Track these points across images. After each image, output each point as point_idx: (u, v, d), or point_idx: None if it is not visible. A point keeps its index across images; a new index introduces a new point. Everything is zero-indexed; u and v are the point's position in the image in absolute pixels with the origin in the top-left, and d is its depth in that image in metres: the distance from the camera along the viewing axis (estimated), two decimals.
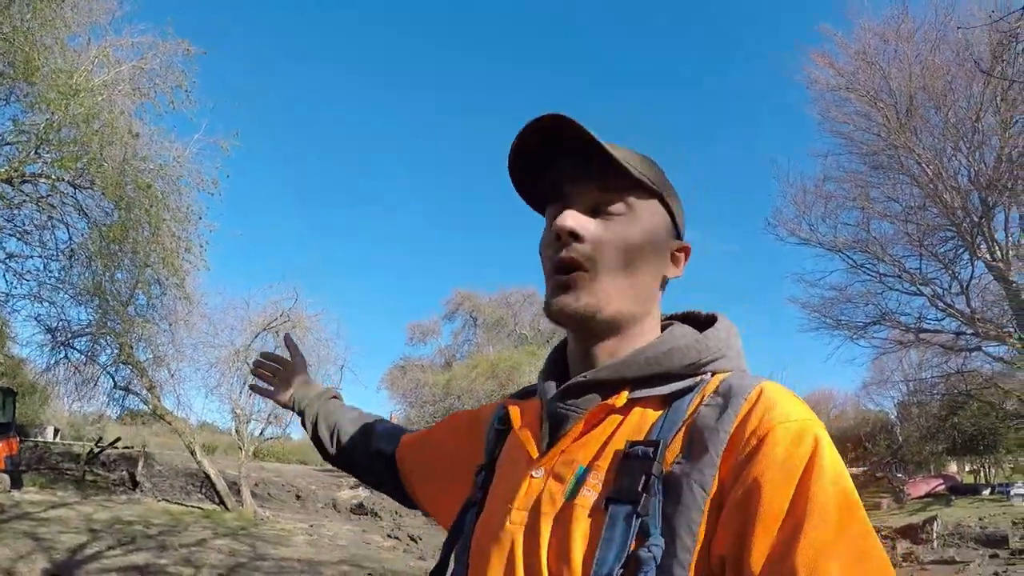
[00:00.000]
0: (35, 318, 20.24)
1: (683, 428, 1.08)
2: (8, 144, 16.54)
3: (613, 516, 1.01)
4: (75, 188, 17.31)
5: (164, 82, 18.10)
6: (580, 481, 1.10)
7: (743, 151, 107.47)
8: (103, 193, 16.90)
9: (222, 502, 23.84)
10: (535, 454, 1.21)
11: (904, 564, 16.49)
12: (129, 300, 19.69)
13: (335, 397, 2.06)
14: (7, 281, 19.10)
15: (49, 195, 17.52)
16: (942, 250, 24.46)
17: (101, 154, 15.90)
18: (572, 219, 1.20)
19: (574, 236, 1.20)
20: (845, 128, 25.32)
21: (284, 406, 2.07)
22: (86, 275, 18.89)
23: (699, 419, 1.08)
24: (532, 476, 1.18)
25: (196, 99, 18.66)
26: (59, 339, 20.54)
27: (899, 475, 40.46)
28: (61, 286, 19.39)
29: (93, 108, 15.52)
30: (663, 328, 1.32)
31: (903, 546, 18.27)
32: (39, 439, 34.39)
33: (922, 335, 25.79)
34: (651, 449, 1.04)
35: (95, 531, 15.64)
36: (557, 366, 1.36)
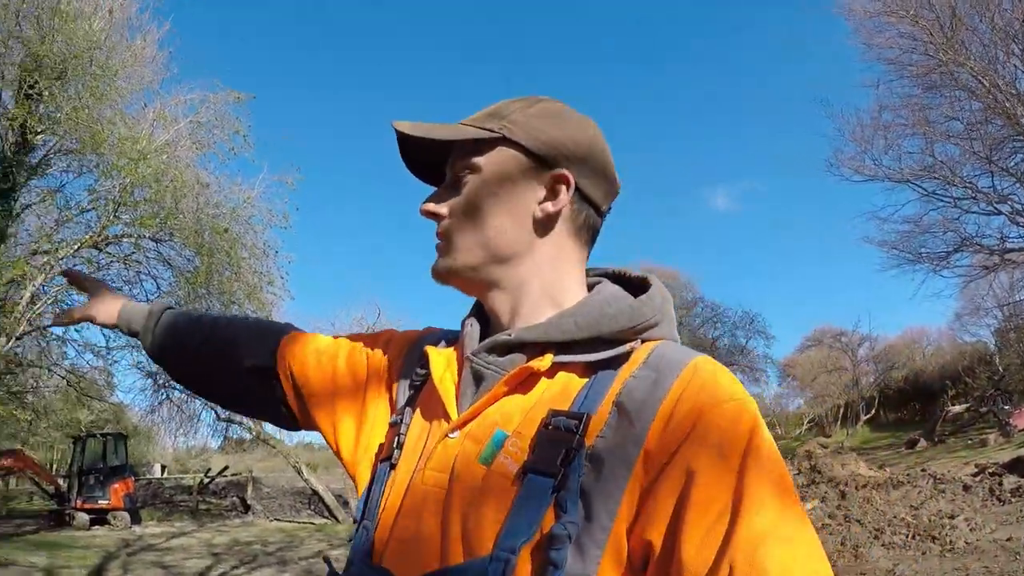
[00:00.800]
0: (135, 366, 21.41)
1: (609, 400, 1.03)
2: (87, 211, 17.75)
3: (529, 487, 0.98)
4: (156, 242, 18.48)
5: (221, 131, 19.10)
6: (497, 446, 1.06)
7: (791, 92, 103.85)
8: (183, 243, 18.07)
9: (332, 515, 24.90)
10: (453, 413, 1.16)
11: (1014, 500, 15.59)
12: None
13: (169, 308, 1.77)
14: (105, 336, 20.19)
15: (133, 252, 18.74)
16: (1013, 163, 23.06)
17: (176, 208, 16.98)
18: (424, 205, 1.26)
19: (432, 216, 1.25)
20: (891, 53, 23.86)
21: (109, 326, 1.79)
22: None
23: (627, 392, 1.03)
24: (448, 436, 1.13)
25: (253, 141, 19.89)
26: (159, 382, 21.59)
27: (1004, 407, 37.34)
28: None
29: (160, 167, 16.53)
30: (590, 283, 1.28)
31: (1010, 481, 16.94)
32: (149, 476, 35.77)
33: (1007, 256, 24.06)
34: (575, 422, 1.01)
35: (217, 554, 16.80)
36: (481, 316, 1.31)
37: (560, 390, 1.10)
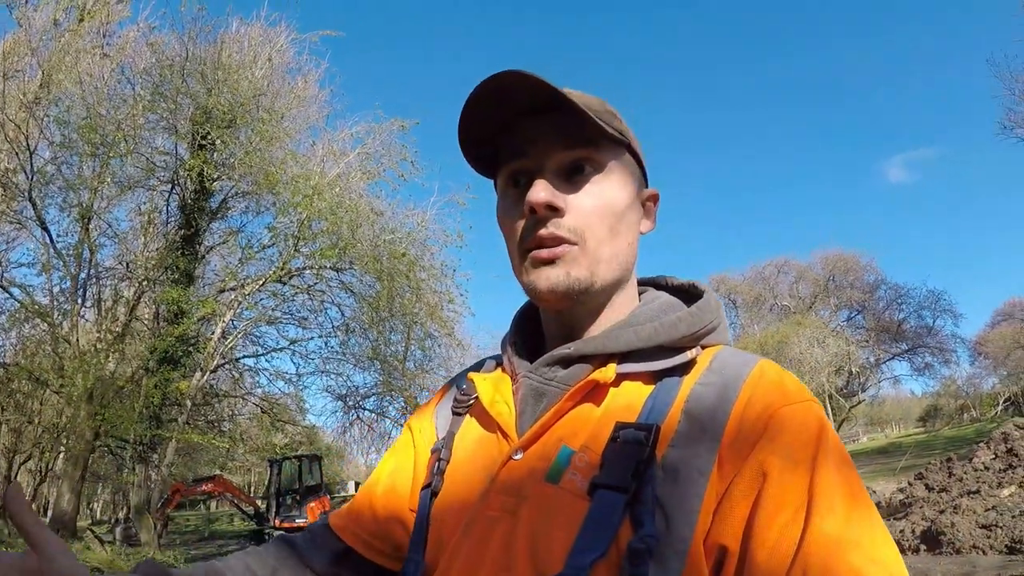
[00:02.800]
0: (325, 390, 22.52)
1: (677, 408, 1.00)
2: (268, 247, 18.56)
3: (600, 503, 0.94)
4: (337, 271, 19.19)
5: (389, 159, 19.73)
6: (565, 463, 1.01)
7: (957, 54, 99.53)
8: (363, 270, 18.72)
9: None
10: (513, 433, 1.09)
11: None
12: (405, 356, 21.15)
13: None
14: (295, 363, 21.15)
15: (316, 283, 19.56)
16: None
17: (353, 237, 17.66)
18: (546, 191, 1.06)
19: (553, 209, 1.07)
20: None
21: None
22: (363, 344, 20.81)
23: (696, 399, 1.00)
24: (512, 458, 1.06)
25: (422, 165, 20.24)
26: (349, 403, 22.36)
27: None
28: (343, 357, 21.26)
29: (334, 200, 17.23)
30: (637, 294, 1.23)
31: None
32: (344, 494, 36.78)
33: None
34: (644, 433, 0.96)
35: None
36: (526, 333, 1.25)
37: (625, 401, 1.05)
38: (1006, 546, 10.86)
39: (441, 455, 1.18)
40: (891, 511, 15.54)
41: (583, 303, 1.12)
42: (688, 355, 1.06)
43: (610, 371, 1.06)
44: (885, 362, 48.70)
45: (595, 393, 1.07)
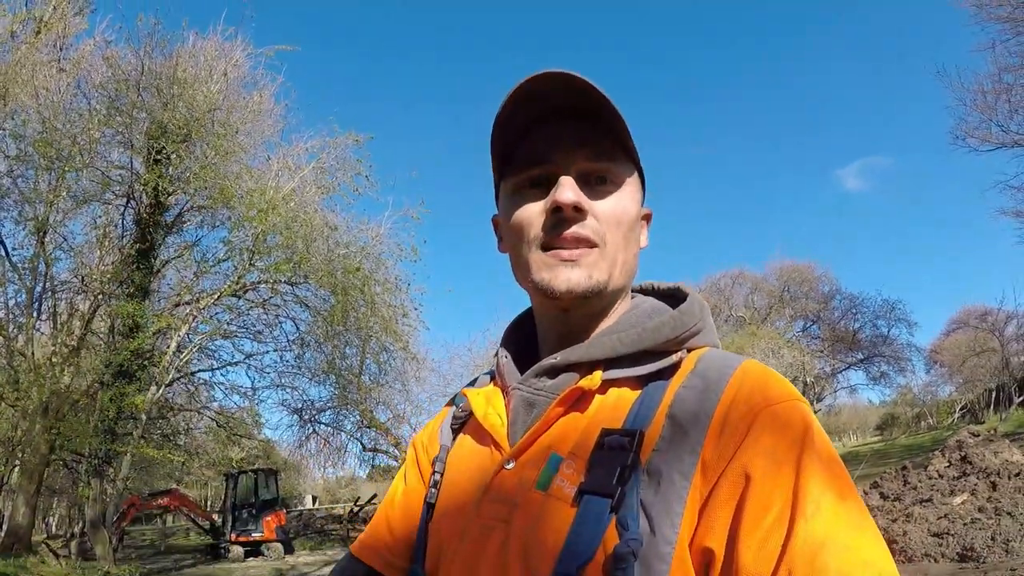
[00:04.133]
0: (281, 403, 22.61)
1: (662, 413, 1.01)
2: (223, 261, 18.71)
3: (585, 509, 0.96)
4: (292, 285, 19.33)
5: (344, 173, 19.89)
6: (553, 470, 1.03)
7: (907, 64, 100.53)
8: (318, 284, 18.81)
9: None
10: (505, 443, 1.12)
11: None
12: (361, 370, 21.28)
13: None
14: (250, 377, 21.25)
15: (271, 297, 19.69)
16: None
17: (308, 251, 17.76)
18: (572, 191, 1.09)
19: (578, 211, 1.10)
20: (1003, 10, 22.10)
21: None
22: (318, 358, 20.97)
23: (679, 403, 1.01)
24: (504, 467, 1.09)
25: (376, 179, 20.33)
26: (305, 417, 22.46)
27: None
28: (299, 371, 21.37)
29: (289, 214, 17.33)
30: None
31: None
32: (301, 508, 36.74)
33: None
34: (627, 439, 0.98)
35: None
36: (518, 344, 1.28)
37: (612, 407, 1.07)
38: (957, 554, 10.96)
39: (436, 468, 1.23)
40: None
41: (592, 306, 1.14)
42: (673, 358, 1.08)
43: (596, 378, 1.07)
44: (841, 372, 49.12)
45: (582, 401, 1.09)
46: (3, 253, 16.90)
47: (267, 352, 21.36)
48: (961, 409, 56.34)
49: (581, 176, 1.11)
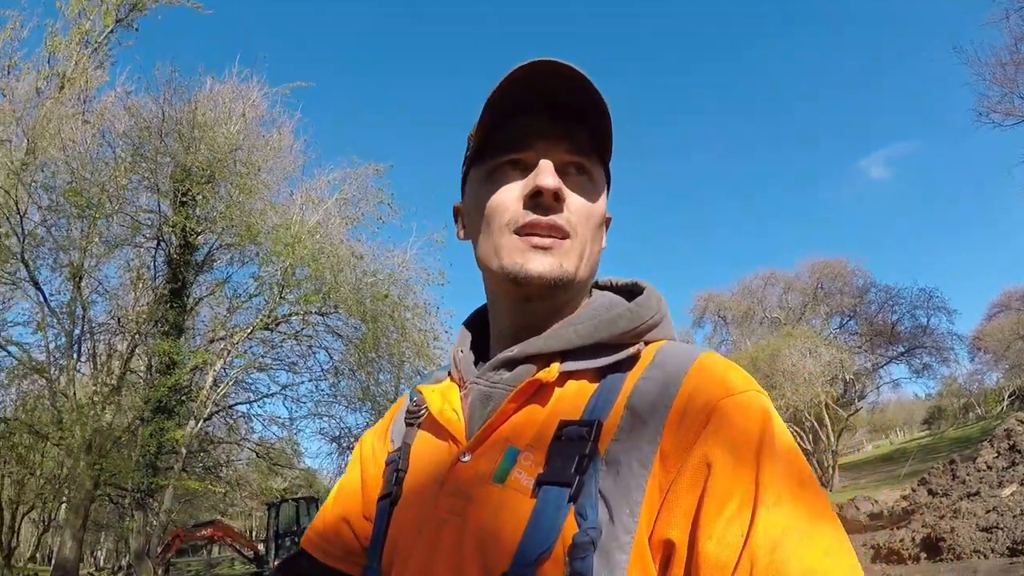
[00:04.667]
0: (319, 432, 22.75)
1: (620, 404, 1.00)
2: (255, 296, 19.01)
3: (543, 499, 0.95)
4: (323, 316, 19.60)
5: (367, 203, 20.20)
6: (510, 463, 1.02)
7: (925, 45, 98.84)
8: (348, 313, 19.02)
9: None
10: (461, 436, 1.12)
11: None
12: (396, 396, 21.45)
13: None
14: (287, 408, 21.48)
15: (303, 328, 19.94)
16: None
17: (336, 281, 18.03)
18: (555, 179, 1.08)
19: (558, 200, 1.09)
20: None
21: None
22: (353, 385, 21.25)
23: (638, 393, 1.00)
24: (460, 460, 1.08)
25: (399, 207, 20.74)
26: (343, 444, 22.65)
27: None
28: (334, 400, 21.60)
29: (315, 247, 17.63)
30: None
31: None
32: None
33: None
34: (585, 429, 0.97)
35: None
36: (475, 340, 1.28)
37: (571, 399, 1.06)
38: (1008, 548, 10.57)
39: (400, 466, 1.20)
40: (894, 520, 15.29)
41: (555, 298, 1.13)
42: (631, 351, 1.07)
43: (553, 371, 1.07)
44: (882, 366, 47.68)
45: (540, 393, 1.08)
46: (42, 299, 17.28)
47: (302, 382, 21.65)
48: (1010, 396, 55.60)
49: (560, 168, 1.11)
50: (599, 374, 1.07)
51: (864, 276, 48.73)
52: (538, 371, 1.08)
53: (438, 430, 1.17)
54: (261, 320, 18.44)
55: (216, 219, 17.62)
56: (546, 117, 1.12)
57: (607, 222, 1.22)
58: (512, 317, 1.17)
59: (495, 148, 1.14)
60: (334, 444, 22.85)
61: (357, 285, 18.83)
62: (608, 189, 1.21)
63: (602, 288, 1.28)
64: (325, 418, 22.45)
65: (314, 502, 25.95)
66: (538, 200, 1.08)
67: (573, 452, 0.96)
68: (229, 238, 18.55)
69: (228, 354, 18.54)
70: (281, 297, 18.25)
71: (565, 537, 0.90)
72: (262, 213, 17.72)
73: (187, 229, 17.34)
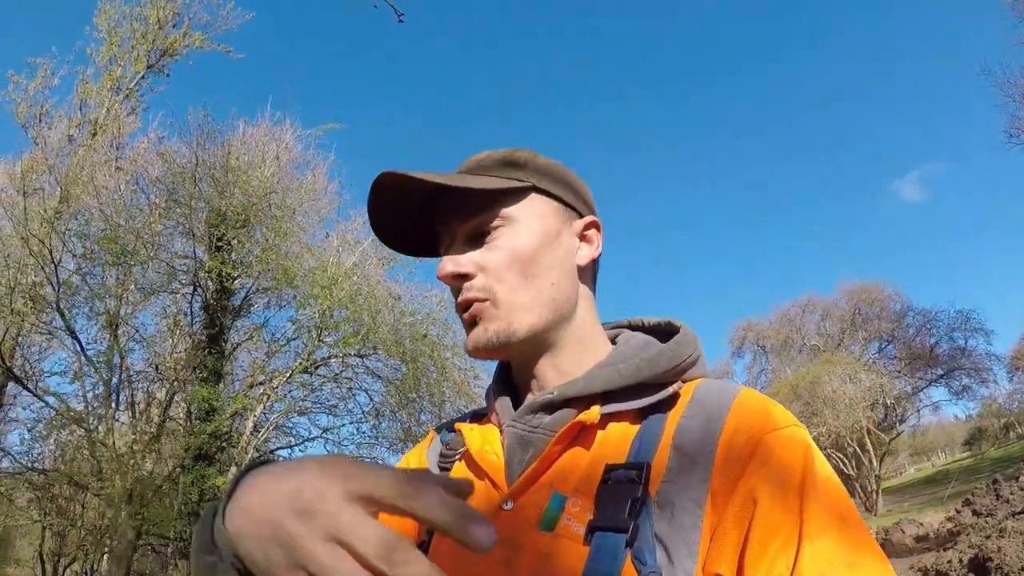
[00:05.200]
0: None
1: (666, 444, 1.01)
2: (293, 340, 18.93)
3: (598, 546, 0.93)
4: (362, 357, 19.34)
5: None
6: (558, 509, 1.00)
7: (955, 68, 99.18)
8: (387, 354, 18.86)
9: None
10: (502, 483, 1.10)
11: None
12: None
13: None
14: (329, 451, 21.20)
15: (342, 370, 19.75)
16: None
17: (374, 323, 17.87)
18: (450, 263, 1.13)
19: (461, 277, 1.13)
20: None
21: None
22: (395, 426, 20.91)
23: (683, 433, 1.01)
24: (502, 508, 1.05)
25: None
26: None
27: None
28: (376, 442, 21.37)
29: (353, 288, 17.53)
30: (610, 335, 1.27)
31: None
32: None
33: None
34: (635, 472, 0.97)
35: None
36: (507, 383, 1.26)
37: (613, 442, 1.06)
38: None
39: None
40: (940, 541, 15.54)
41: (521, 354, 1.17)
42: (670, 390, 1.07)
43: (594, 413, 1.06)
44: (922, 390, 47.77)
45: (582, 436, 1.08)
46: (79, 348, 17.09)
47: (343, 425, 21.28)
48: None
49: (466, 237, 1.16)
50: (640, 415, 1.07)
51: (901, 300, 49.27)
52: (578, 414, 1.07)
53: (477, 472, 1.15)
54: (300, 364, 18.18)
55: (252, 263, 17.48)
56: (439, 205, 1.18)
57: (593, 226, 1.24)
58: (518, 374, 1.22)
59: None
60: None
61: (395, 326, 18.66)
62: (564, 201, 1.21)
63: (634, 328, 1.28)
64: (368, 460, 22.02)
65: None
66: (452, 287, 1.16)
67: (624, 496, 0.95)
68: (265, 282, 18.35)
69: (268, 399, 18.33)
70: (320, 340, 18.03)
71: None
72: (298, 256, 17.57)
73: (223, 274, 17.14)
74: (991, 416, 62.62)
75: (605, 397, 1.09)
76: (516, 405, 1.21)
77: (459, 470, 1.20)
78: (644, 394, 1.08)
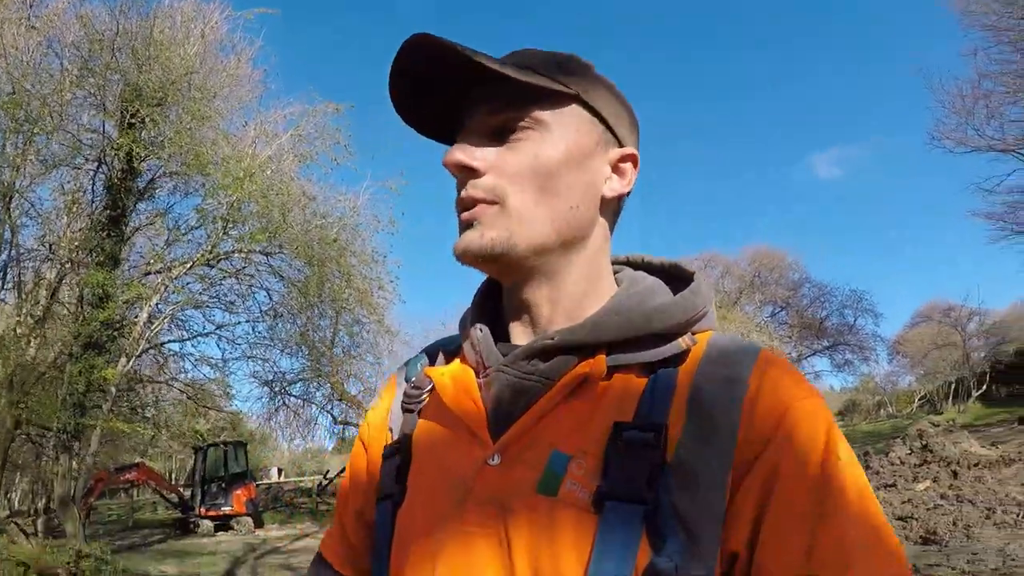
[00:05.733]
0: (251, 375, 22.33)
1: (680, 403, 0.92)
2: (196, 229, 18.33)
3: (611, 517, 0.85)
4: (267, 256, 18.91)
5: (323, 142, 19.41)
6: (560, 471, 0.91)
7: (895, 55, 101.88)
8: (293, 255, 18.40)
9: None
10: (485, 434, 0.98)
11: None
12: (333, 342, 21.11)
13: None
14: (221, 348, 20.86)
15: (245, 266, 19.27)
16: None
17: (284, 221, 17.32)
18: (461, 152, 1.01)
19: (468, 171, 1.01)
20: (989, 19, 23.59)
21: None
22: (291, 329, 20.70)
23: (700, 393, 0.92)
24: (488, 463, 0.95)
25: (355, 150, 20.04)
26: (276, 389, 22.20)
27: None
28: (271, 343, 21.05)
29: (266, 183, 16.95)
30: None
31: None
32: (267, 480, 36.67)
33: None
34: (652, 435, 0.88)
35: None
36: (487, 314, 1.12)
37: (619, 397, 0.95)
38: (920, 537, 11.90)
39: (401, 460, 1.09)
40: None
41: (514, 271, 1.04)
42: (682, 343, 0.99)
43: (600, 363, 0.96)
44: (807, 358, 50.16)
45: (584, 389, 0.96)
46: None
47: (239, 323, 20.92)
48: (920, 399, 58.34)
49: (486, 130, 1.03)
50: (647, 368, 0.97)
51: (800, 271, 51.90)
52: (579, 363, 0.97)
53: (451, 421, 1.03)
54: (202, 255, 17.61)
55: (164, 144, 16.59)
56: (466, 88, 1.04)
57: (630, 159, 1.09)
58: (506, 297, 1.10)
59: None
60: (266, 388, 22.43)
61: (305, 227, 18.18)
62: (606, 123, 1.07)
63: (634, 266, 1.18)
64: (259, 361, 21.84)
65: (242, 446, 25.55)
66: (457, 179, 1.03)
67: (640, 461, 0.87)
68: (175, 166, 17.51)
69: (165, 288, 17.72)
70: (225, 232, 17.47)
71: (639, 564, 0.82)
72: (213, 143, 16.83)
73: (133, 153, 16.28)
74: (867, 392, 64.97)
75: (610, 346, 0.98)
76: (497, 337, 1.08)
77: (427, 417, 1.10)
78: (651, 345, 0.98)
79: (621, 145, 1.10)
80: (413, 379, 1.18)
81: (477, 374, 1.05)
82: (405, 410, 1.14)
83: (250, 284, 19.91)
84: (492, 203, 1.00)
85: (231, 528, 23.38)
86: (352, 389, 23.34)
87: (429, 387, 1.12)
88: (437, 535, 0.95)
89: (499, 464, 0.95)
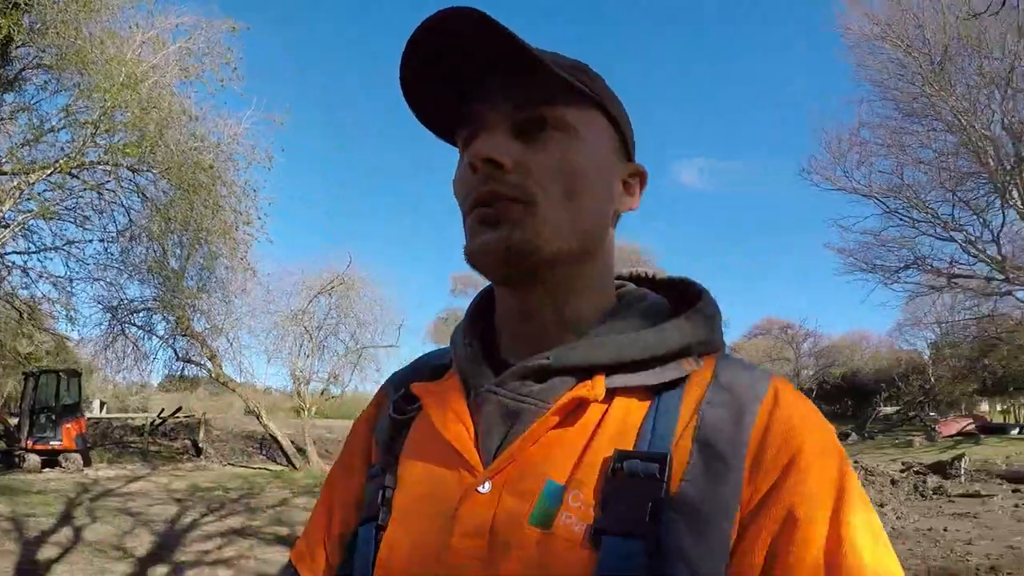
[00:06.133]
0: (94, 299, 21.06)
1: (687, 433, 0.87)
2: (60, 130, 17.02)
3: (609, 554, 0.80)
4: (133, 172, 17.77)
5: (212, 60, 18.47)
6: (554, 502, 0.85)
7: (776, 93, 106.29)
8: (163, 175, 17.41)
9: (290, 462, 24.72)
10: (475, 460, 0.92)
11: (934, 496, 18.28)
12: (183, 274, 20.25)
13: None
14: (68, 267, 19.69)
15: (107, 181, 18.02)
16: (974, 197, 25.09)
17: (160, 138, 16.32)
18: (489, 145, 0.93)
19: (495, 165, 0.93)
20: (879, 76, 25.41)
21: None
22: (145, 254, 19.64)
23: (708, 423, 0.87)
24: (477, 491, 0.90)
25: (244, 75, 19.15)
26: (119, 317, 21.16)
27: (931, 414, 43.15)
28: (121, 267, 19.98)
29: (145, 92, 15.88)
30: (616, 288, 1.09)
31: (933, 480, 20.13)
32: (89, 413, 35.01)
33: (954, 279, 26.55)
34: (656, 466, 0.83)
35: (180, 500, 16.24)
36: (479, 329, 1.08)
37: (618, 423, 0.89)
38: None
39: (386, 482, 1.01)
40: None
41: (531, 278, 0.96)
42: (688, 368, 0.93)
43: (599, 385, 0.90)
44: None
45: (581, 412, 0.90)
46: None
47: (91, 241, 19.64)
48: None
49: (518, 128, 0.95)
50: (650, 392, 0.91)
51: (651, 268, 53.06)
52: (577, 383, 0.91)
53: (438, 444, 0.96)
54: (65, 162, 16.27)
55: (47, 32, 15.32)
56: (490, 73, 0.96)
57: (639, 176, 1.07)
58: (510, 305, 1.02)
59: (458, 126, 1.01)
60: (108, 314, 21.34)
61: (181, 147, 17.13)
62: (623, 137, 1.03)
63: (636, 281, 1.14)
64: (106, 284, 20.73)
65: (76, 376, 23.97)
66: (477, 175, 0.93)
67: (640, 494, 0.82)
68: (50, 58, 16.31)
69: (20, 193, 16.38)
70: (92, 139, 16.22)
71: None
72: (99, 41, 15.63)
73: (11, 36, 15.01)
74: None
75: (610, 367, 0.92)
76: (490, 355, 1.02)
77: (416, 440, 1.02)
78: (653, 367, 0.92)
79: (631, 160, 1.07)
80: (399, 394, 1.09)
81: (468, 393, 0.99)
82: (393, 426, 1.06)
83: (112, 200, 18.72)
84: (519, 201, 0.92)
85: (59, 465, 21.41)
86: (198, 326, 22.60)
87: (417, 404, 1.04)
88: (423, 566, 0.89)
89: (489, 492, 0.89)
